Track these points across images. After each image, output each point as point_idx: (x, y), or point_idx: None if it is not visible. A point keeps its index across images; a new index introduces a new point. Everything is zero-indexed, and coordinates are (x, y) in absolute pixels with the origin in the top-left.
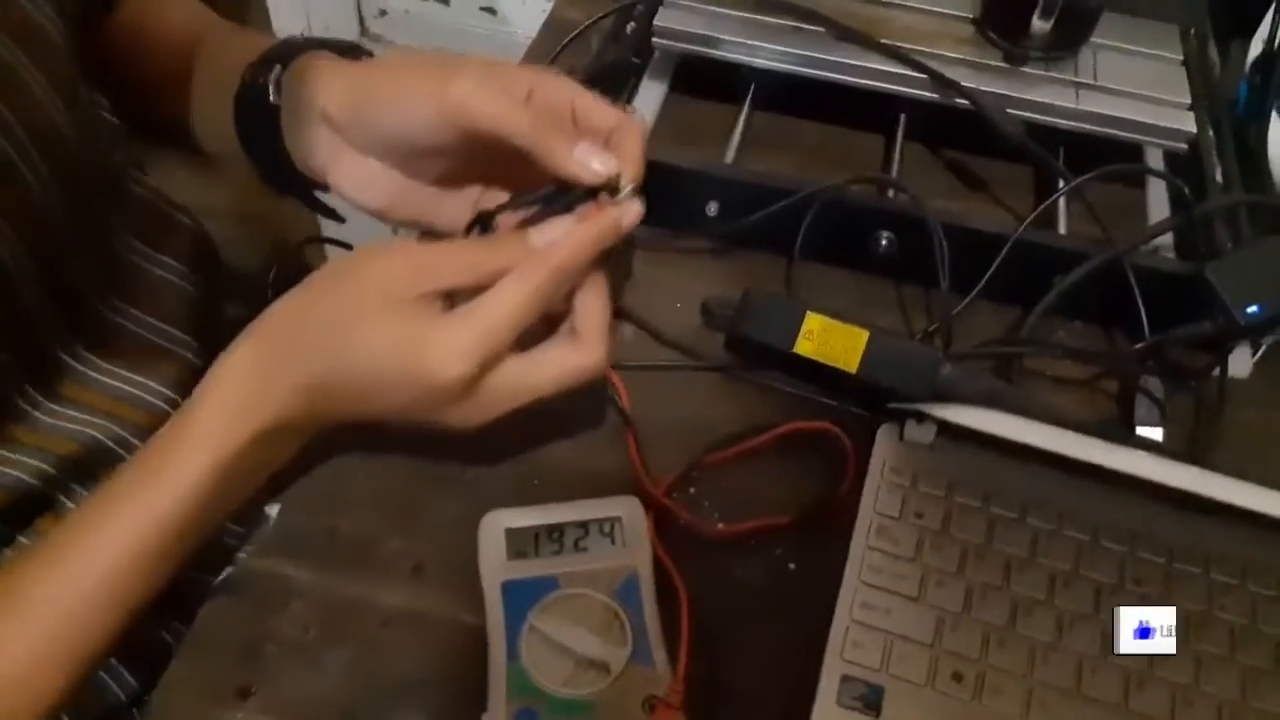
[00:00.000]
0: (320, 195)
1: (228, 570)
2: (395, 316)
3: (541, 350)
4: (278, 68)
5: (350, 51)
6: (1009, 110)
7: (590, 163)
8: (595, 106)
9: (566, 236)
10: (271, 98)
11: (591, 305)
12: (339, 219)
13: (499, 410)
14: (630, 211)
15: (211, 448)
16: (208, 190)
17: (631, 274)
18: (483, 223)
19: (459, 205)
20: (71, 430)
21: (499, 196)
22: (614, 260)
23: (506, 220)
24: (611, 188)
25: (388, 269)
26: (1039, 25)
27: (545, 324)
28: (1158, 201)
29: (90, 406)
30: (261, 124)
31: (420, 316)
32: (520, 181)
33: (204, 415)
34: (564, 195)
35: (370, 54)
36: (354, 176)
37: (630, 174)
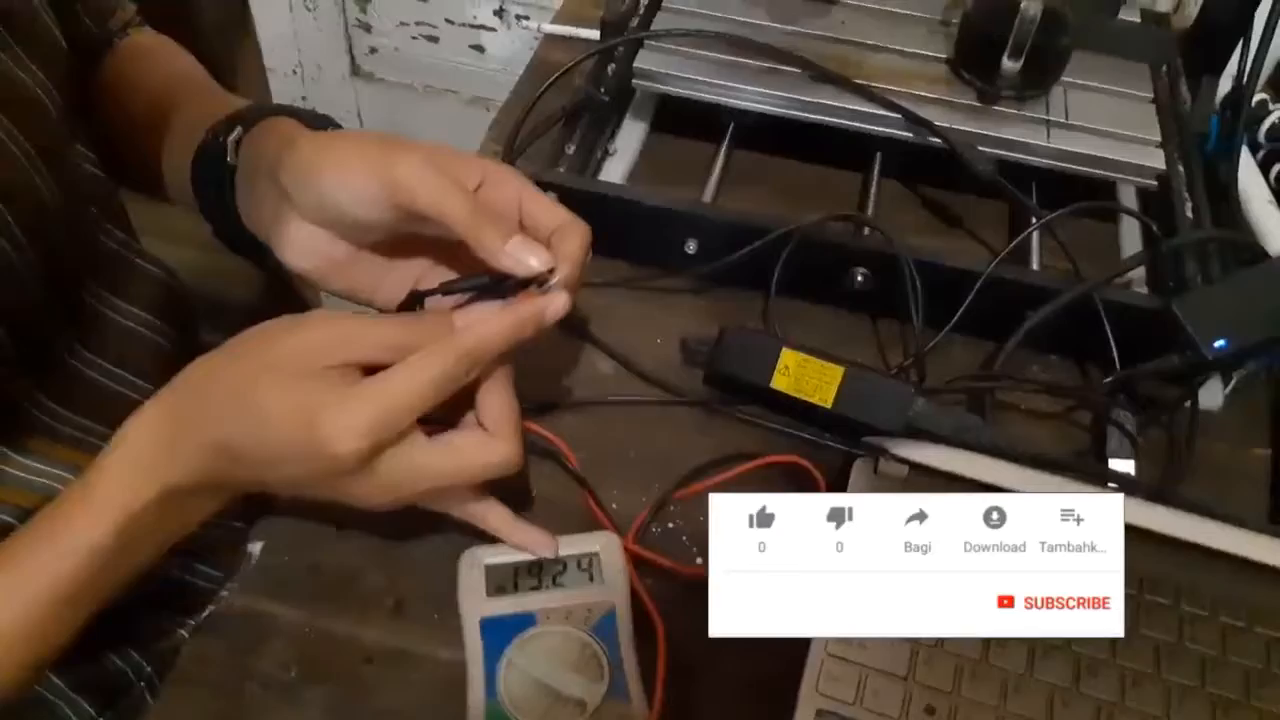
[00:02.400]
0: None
1: (208, 609)
2: (300, 386)
3: (450, 436)
4: (239, 129)
5: (318, 122)
6: (981, 148)
7: (524, 256)
8: (542, 205)
9: (483, 321)
10: (229, 158)
11: (495, 401)
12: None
13: (403, 490)
14: (555, 304)
15: (115, 505)
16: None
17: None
18: (413, 303)
19: (401, 280)
20: (35, 483)
21: (444, 274)
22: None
23: (440, 304)
24: (542, 281)
25: (305, 338)
26: (1010, 65)
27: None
28: (1129, 236)
29: (54, 458)
30: (217, 182)
31: (325, 388)
32: (467, 263)
33: (110, 473)
34: (499, 284)
35: (339, 126)
36: (295, 241)
37: (564, 272)
